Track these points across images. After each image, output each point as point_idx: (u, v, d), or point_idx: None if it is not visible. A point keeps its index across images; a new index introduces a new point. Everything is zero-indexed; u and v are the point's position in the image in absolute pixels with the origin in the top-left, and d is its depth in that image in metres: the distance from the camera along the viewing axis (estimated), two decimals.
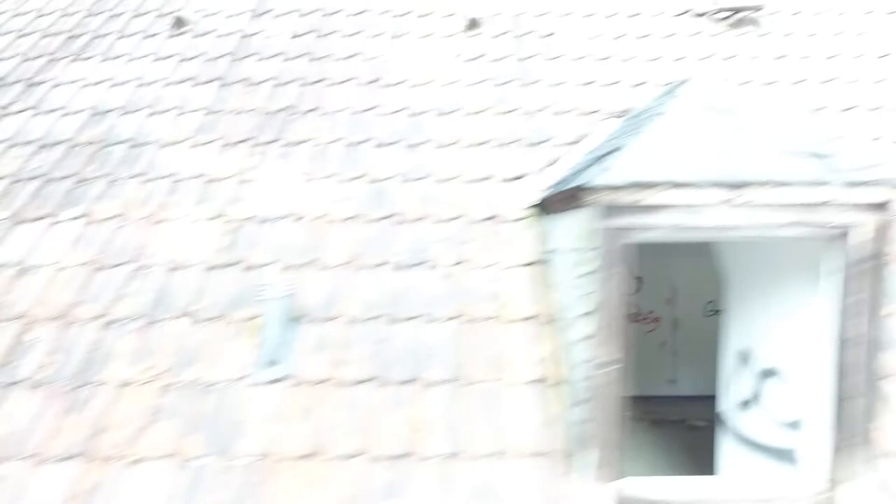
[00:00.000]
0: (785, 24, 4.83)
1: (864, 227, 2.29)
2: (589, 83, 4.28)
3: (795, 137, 2.42)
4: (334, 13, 4.99)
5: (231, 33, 4.76)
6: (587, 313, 2.37)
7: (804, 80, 4.29)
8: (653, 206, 2.28)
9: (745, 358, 3.14)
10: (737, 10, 4.86)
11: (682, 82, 2.97)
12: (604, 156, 2.54)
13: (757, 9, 4.86)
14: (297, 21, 4.89)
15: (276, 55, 4.53)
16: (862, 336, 2.33)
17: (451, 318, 2.92)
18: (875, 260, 2.31)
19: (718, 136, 2.43)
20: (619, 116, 4.00)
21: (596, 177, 2.26)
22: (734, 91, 2.74)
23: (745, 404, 3.13)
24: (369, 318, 2.92)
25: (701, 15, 4.92)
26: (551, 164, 3.67)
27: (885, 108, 4.08)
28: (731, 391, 3.26)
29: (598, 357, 2.32)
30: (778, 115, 2.55)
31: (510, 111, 4.06)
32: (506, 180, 3.61)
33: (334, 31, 4.78)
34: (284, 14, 4.97)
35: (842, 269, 2.33)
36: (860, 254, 2.31)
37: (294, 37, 4.73)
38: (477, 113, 4.06)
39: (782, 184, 2.28)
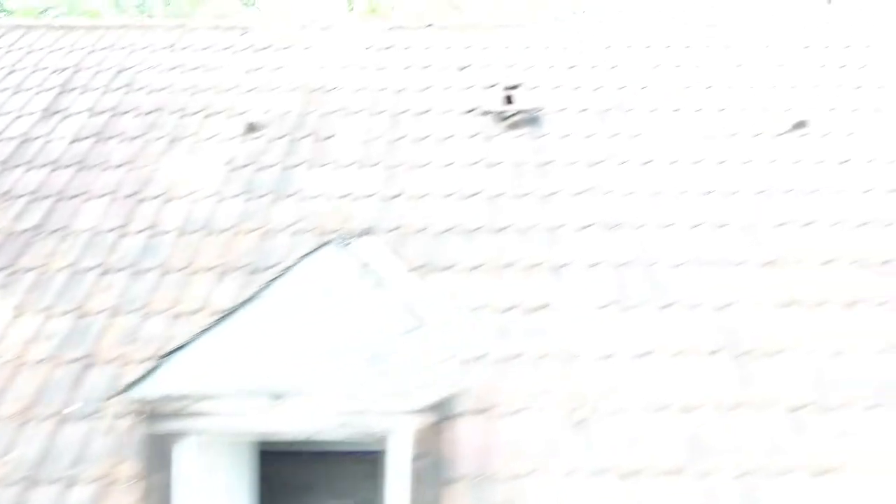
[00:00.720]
0: (566, 124, 4.87)
1: (406, 431, 2.34)
2: (345, 196, 4.32)
3: (355, 342, 2.46)
4: (126, 112, 5.04)
5: (13, 137, 4.81)
6: None
7: (557, 193, 4.32)
8: (195, 414, 2.32)
9: None
10: (521, 111, 4.90)
11: (299, 260, 2.96)
12: (167, 355, 2.57)
13: (538, 109, 4.91)
14: (85, 122, 4.95)
15: (47, 164, 4.58)
16: None
17: (93, 481, 2.95)
18: (418, 462, 2.35)
19: (277, 338, 2.47)
20: (359, 235, 4.04)
21: (134, 388, 2.30)
22: (331, 272, 2.77)
23: None
24: (12, 483, 2.95)
25: (487, 113, 4.96)
26: None
27: (623, 224, 4.11)
28: None
29: None
30: (348, 310, 2.59)
31: (253, 230, 4.09)
32: (216, 313, 3.64)
33: (117, 135, 4.84)
34: (75, 114, 5.03)
35: (389, 472, 2.37)
36: (404, 457, 2.35)
37: (74, 141, 4.78)
38: (220, 232, 4.10)
39: (325, 392, 2.32)
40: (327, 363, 2.37)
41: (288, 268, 2.82)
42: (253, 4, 13.30)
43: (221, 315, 2.75)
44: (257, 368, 2.35)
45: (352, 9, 11.14)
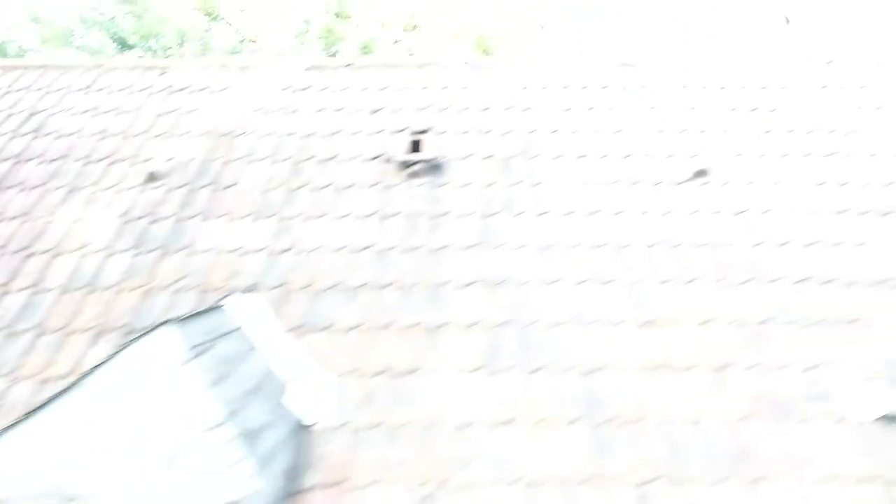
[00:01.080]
0: (469, 171, 4.84)
1: None
2: (234, 250, 4.31)
3: (157, 439, 2.45)
4: (30, 159, 5.03)
5: None
6: None
7: (447, 247, 4.30)
8: None
9: None
10: (423, 160, 4.88)
11: (124, 346, 2.93)
12: None
13: (443, 157, 4.90)
14: None
15: None
16: None
17: None
18: None
19: (80, 437, 2.46)
20: (245, 291, 4.04)
21: None
22: (155, 359, 2.76)
23: None
24: None
25: (390, 161, 4.94)
26: None
27: (508, 281, 4.09)
28: None
29: None
30: (156, 405, 2.58)
31: (136, 288, 4.09)
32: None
33: (17, 184, 4.82)
34: None
35: None
36: None
37: None
38: (103, 290, 4.09)
39: (121, 493, 2.31)
40: (127, 462, 2.36)
41: (109, 358, 2.81)
42: (217, 18, 13.31)
43: (26, 414, 2.73)
44: (53, 470, 2.34)
45: (307, 31, 11.12)
